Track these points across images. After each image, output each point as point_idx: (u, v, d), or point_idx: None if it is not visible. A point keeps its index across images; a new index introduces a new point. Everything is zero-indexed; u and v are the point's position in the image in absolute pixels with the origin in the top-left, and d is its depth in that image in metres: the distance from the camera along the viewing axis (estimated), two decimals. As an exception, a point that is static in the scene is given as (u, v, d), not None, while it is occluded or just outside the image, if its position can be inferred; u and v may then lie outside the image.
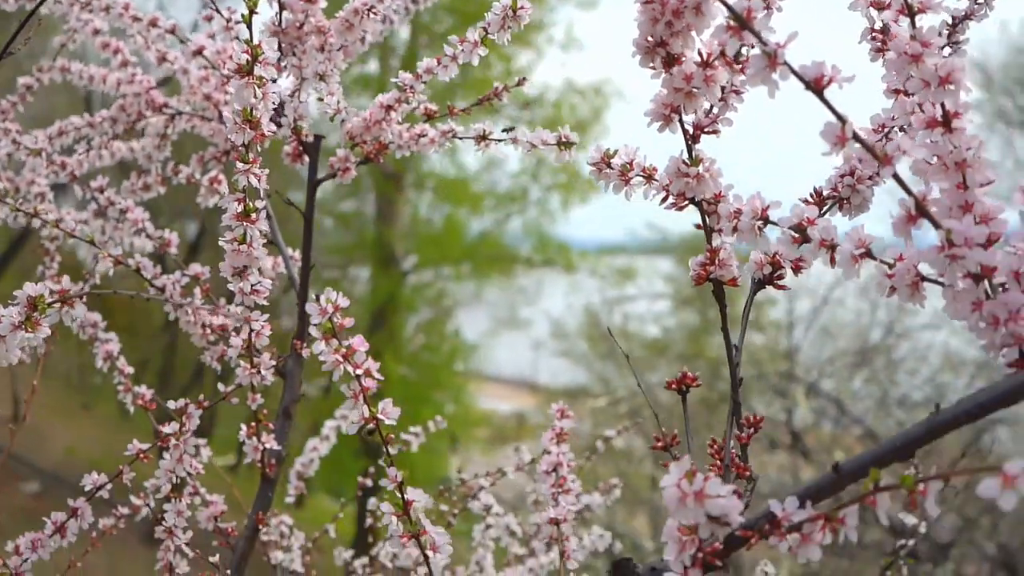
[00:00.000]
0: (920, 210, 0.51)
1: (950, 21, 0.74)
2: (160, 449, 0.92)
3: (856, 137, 0.50)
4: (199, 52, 1.09)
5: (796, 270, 0.67)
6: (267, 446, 0.97)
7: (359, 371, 0.61)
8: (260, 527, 0.99)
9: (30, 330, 0.68)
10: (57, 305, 0.66)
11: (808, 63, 0.51)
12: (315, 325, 0.60)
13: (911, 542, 1.09)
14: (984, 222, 0.53)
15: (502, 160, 12.45)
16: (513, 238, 12.26)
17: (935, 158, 0.54)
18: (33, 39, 0.90)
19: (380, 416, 0.63)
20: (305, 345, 0.96)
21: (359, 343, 0.62)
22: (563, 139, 0.85)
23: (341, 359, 0.61)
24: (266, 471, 0.99)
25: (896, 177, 0.51)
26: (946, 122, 0.54)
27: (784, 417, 6.04)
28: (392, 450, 0.65)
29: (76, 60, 1.31)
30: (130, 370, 1.10)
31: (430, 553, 0.64)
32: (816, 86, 0.51)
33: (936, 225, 0.51)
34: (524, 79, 0.98)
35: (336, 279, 11.96)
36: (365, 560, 1.50)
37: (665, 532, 0.54)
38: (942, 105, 0.53)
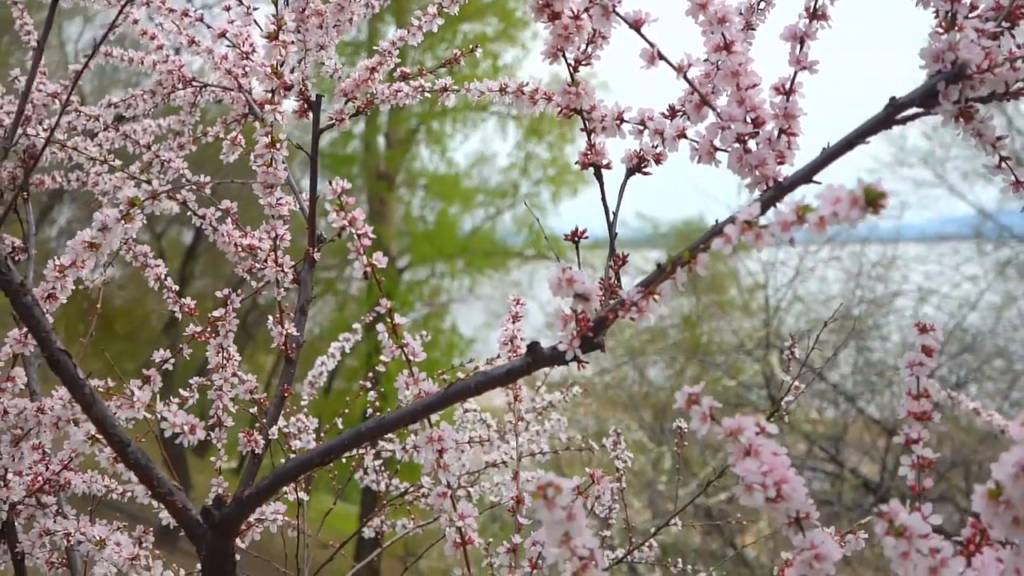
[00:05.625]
0: (703, 101, 0.82)
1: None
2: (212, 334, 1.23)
3: (660, 56, 0.81)
4: (222, 34, 1.39)
5: (657, 161, 0.97)
6: (289, 332, 1.27)
7: (359, 232, 0.92)
8: (285, 396, 1.29)
9: (128, 222, 0.98)
10: (150, 200, 0.95)
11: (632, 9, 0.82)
12: (328, 201, 0.91)
13: (790, 399, 1.39)
14: (752, 110, 0.84)
15: (492, 156, 12.73)
16: (505, 233, 12.55)
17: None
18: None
19: (374, 262, 0.93)
20: (316, 250, 1.26)
21: (359, 214, 0.92)
22: (503, 87, 1.15)
23: (347, 223, 0.91)
24: (288, 353, 1.29)
25: (687, 80, 0.81)
26: (726, 47, 0.84)
27: (762, 382, 6.37)
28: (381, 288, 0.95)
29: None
30: (176, 287, 1.40)
31: (412, 357, 0.94)
32: (636, 26, 0.81)
33: (713, 109, 0.81)
34: (476, 46, 1.28)
35: (332, 279, 12.28)
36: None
37: (553, 316, 0.84)
38: (723, 35, 0.84)
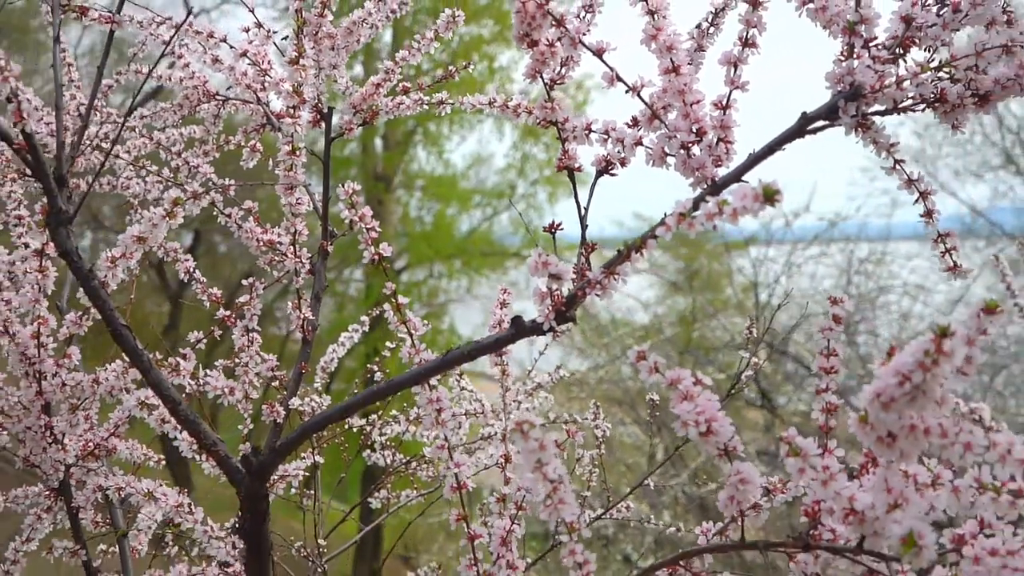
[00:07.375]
0: (654, 115, 0.99)
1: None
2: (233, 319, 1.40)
3: (618, 77, 0.98)
4: (244, 54, 1.56)
5: (623, 164, 1.14)
6: (306, 316, 1.44)
7: (368, 226, 1.09)
8: (303, 372, 1.46)
9: (171, 219, 1.15)
10: (191, 200, 1.13)
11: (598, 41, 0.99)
12: (341, 200, 1.08)
13: (747, 376, 1.56)
14: (695, 122, 1.01)
15: (488, 157, 12.89)
16: (502, 233, 12.71)
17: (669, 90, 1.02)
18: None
19: (380, 251, 1.10)
20: (329, 244, 1.43)
21: (367, 210, 1.09)
22: (492, 100, 1.32)
23: (357, 219, 1.08)
24: (305, 335, 1.47)
25: (640, 98, 0.99)
26: (675, 69, 1.01)
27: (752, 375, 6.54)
28: (389, 273, 1.12)
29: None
30: (204, 280, 1.57)
31: (413, 331, 1.11)
32: (598, 53, 0.98)
33: (662, 122, 0.99)
34: (468, 63, 1.45)
35: (331, 280, 12.44)
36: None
37: (532, 292, 1.01)
38: (670, 59, 1.01)
